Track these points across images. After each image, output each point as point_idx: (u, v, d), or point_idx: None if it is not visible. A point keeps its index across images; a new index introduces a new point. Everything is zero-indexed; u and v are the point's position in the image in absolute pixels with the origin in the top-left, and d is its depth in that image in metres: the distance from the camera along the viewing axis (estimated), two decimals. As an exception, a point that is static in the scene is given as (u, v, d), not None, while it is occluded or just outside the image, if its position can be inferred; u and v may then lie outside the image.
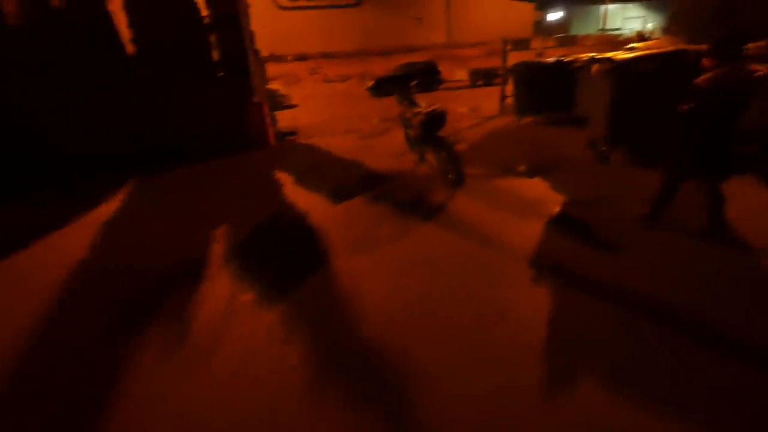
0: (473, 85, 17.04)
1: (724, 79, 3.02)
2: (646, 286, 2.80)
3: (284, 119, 9.55)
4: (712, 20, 8.15)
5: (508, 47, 9.84)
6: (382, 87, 14.48)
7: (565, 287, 2.86)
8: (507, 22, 31.80)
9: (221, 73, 7.93)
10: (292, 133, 9.28)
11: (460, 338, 2.49)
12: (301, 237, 4.03)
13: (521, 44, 15.18)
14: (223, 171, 6.81)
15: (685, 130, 3.28)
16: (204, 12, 7.64)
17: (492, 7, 33.07)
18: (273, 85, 12.93)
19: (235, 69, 7.99)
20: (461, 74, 19.06)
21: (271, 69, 10.71)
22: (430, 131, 4.87)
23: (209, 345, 2.64)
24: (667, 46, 6.36)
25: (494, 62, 18.64)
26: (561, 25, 40.68)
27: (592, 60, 5.57)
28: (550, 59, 7.73)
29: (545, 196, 4.45)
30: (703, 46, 3.66)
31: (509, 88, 9.02)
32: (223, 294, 3.15)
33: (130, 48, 7.36)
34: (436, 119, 4.79)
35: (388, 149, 7.02)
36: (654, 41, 9.14)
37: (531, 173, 5.14)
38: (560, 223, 3.83)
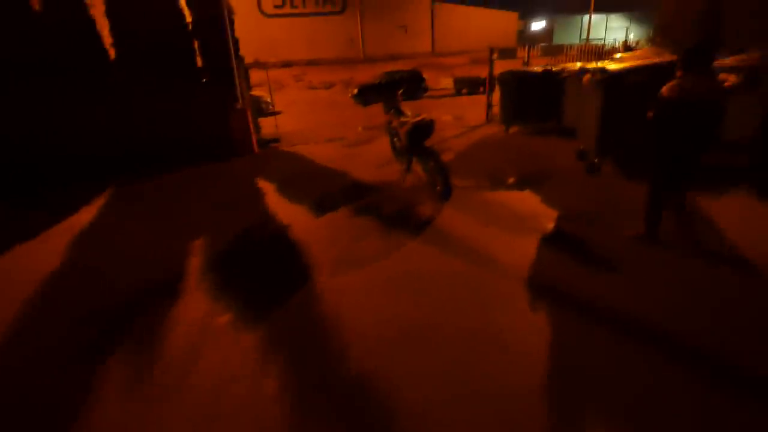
0: (458, 93, 17.03)
1: (689, 89, 3.00)
2: (647, 311, 2.66)
3: (268, 126, 9.32)
4: (697, 32, 8.20)
5: (495, 56, 9.79)
6: (366, 95, 14.31)
7: (562, 311, 2.71)
8: (491, 31, 32.08)
9: (204, 79, 7.70)
10: (276, 140, 9.05)
11: (452, 369, 2.31)
12: (282, 251, 3.81)
13: (507, 53, 15.23)
14: (204, 178, 6.55)
15: (654, 138, 3.28)
16: (188, 17, 7.44)
17: (476, 16, 33.34)
18: (257, 92, 12.67)
19: (218, 75, 7.78)
20: (446, 82, 19.08)
21: (256, 75, 10.49)
22: (417, 141, 4.71)
23: (180, 371, 2.43)
24: (654, 56, 6.36)
25: (478, 71, 18.73)
26: (544, 34, 41.30)
27: (583, 70, 5.50)
28: (538, 69, 7.68)
29: (536, 209, 4.32)
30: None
31: (495, 96, 8.96)
32: (197, 313, 2.93)
33: (111, 52, 7.11)
34: (423, 129, 4.64)
35: (373, 158, 6.85)
36: (640, 51, 9.20)
37: (521, 185, 5.01)
38: (554, 240, 3.67)
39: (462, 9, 33.12)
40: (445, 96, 16.55)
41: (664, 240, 3.50)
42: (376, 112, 5.83)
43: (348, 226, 4.22)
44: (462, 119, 10.57)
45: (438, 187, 4.60)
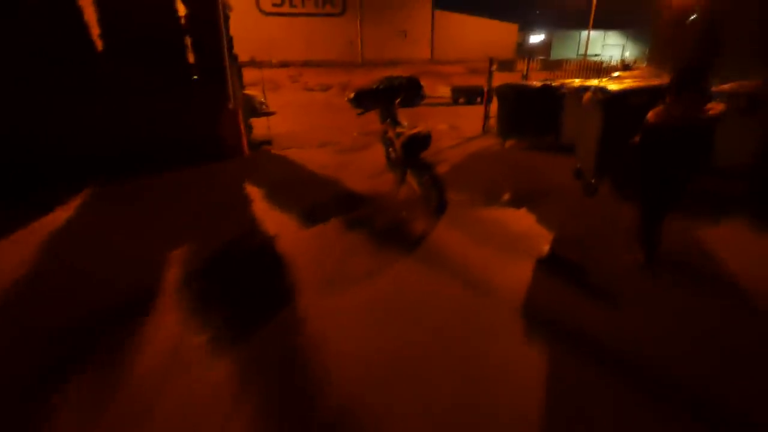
0: (455, 102, 16.96)
1: (676, 115, 2.98)
2: (649, 353, 2.51)
3: (261, 127, 9.11)
4: (694, 51, 8.21)
5: (494, 67, 9.70)
6: (362, 99, 14.09)
7: (560, 345, 2.55)
8: (491, 42, 32.09)
9: (195, 77, 7.49)
10: (268, 142, 8.84)
11: (445, 408, 2.13)
12: (267, 265, 3.61)
13: (506, 65, 15.19)
14: (190, 181, 6.32)
15: (640, 163, 3.29)
16: (181, 12, 7.23)
17: (476, 26, 33.34)
18: (252, 91, 12.46)
19: (210, 73, 7.56)
20: (443, 91, 18.99)
21: (251, 74, 10.29)
22: (413, 154, 4.55)
23: (146, 401, 2.22)
24: (653, 77, 6.32)
25: (476, 80, 18.69)
26: (542, 48, 41.58)
27: (583, 88, 5.40)
28: (537, 83, 7.59)
29: (533, 230, 4.18)
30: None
31: (493, 108, 8.87)
32: (171, 333, 2.72)
33: (98, 44, 6.86)
34: (420, 142, 4.47)
35: (367, 166, 6.69)
36: (639, 71, 9.21)
37: (516, 203, 4.88)
38: (550, 264, 3.52)
39: (462, 18, 33.11)
40: (442, 104, 16.47)
41: (665, 266, 3.38)
42: (372, 117, 5.66)
43: (338, 240, 4.03)
44: (458, 129, 10.46)
45: (432, 202, 4.45)
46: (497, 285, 3.21)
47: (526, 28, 41.75)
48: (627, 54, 36.44)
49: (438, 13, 31.87)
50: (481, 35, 32.88)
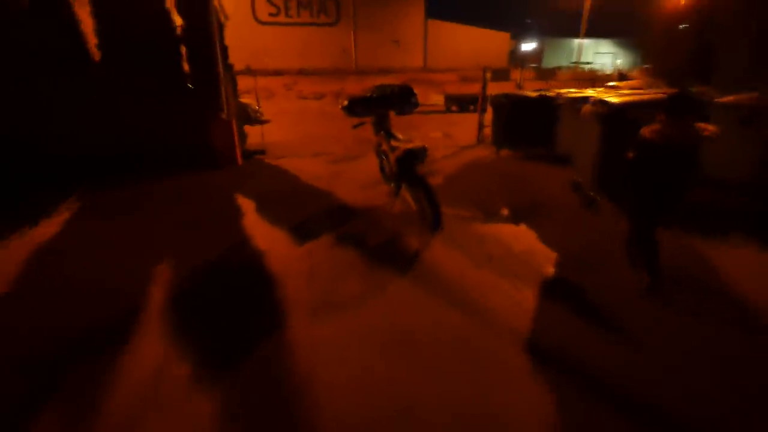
0: (448, 110, 16.91)
1: (669, 134, 3.10)
2: (663, 387, 2.35)
3: (255, 135, 8.96)
4: (690, 62, 8.17)
5: (488, 75, 9.63)
6: (356, 108, 14.01)
7: (568, 384, 2.37)
8: (483, 50, 32.23)
9: (189, 85, 7.36)
10: (261, 151, 8.68)
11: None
12: (254, 288, 3.43)
13: (500, 74, 15.17)
14: (180, 191, 6.16)
15: (632, 178, 3.40)
16: (176, 21, 7.12)
17: (469, 35, 33.46)
18: (246, 99, 12.34)
19: (204, 82, 7.43)
20: (436, 98, 18.96)
21: (247, 83, 10.17)
22: (407, 168, 4.41)
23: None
24: (651, 88, 6.27)
25: (468, 88, 18.67)
26: (534, 55, 41.81)
27: (581, 99, 5.31)
28: (532, 93, 7.52)
29: (533, 248, 4.02)
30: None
31: (487, 117, 8.78)
32: (148, 365, 2.54)
33: (93, 51, 6.73)
34: (415, 156, 4.34)
35: (361, 177, 6.55)
36: (636, 81, 9.20)
37: (515, 218, 4.74)
38: (555, 289, 3.33)
39: (455, 26, 33.29)
40: (434, 112, 16.42)
41: (672, 288, 3.26)
42: (367, 125, 5.53)
43: (330, 259, 3.87)
44: (452, 137, 10.37)
45: (428, 218, 4.30)
46: (498, 313, 3.02)
47: (518, 36, 42.01)
48: (619, 62, 36.76)
49: (430, 22, 32.03)
50: (474, 44, 33.05)
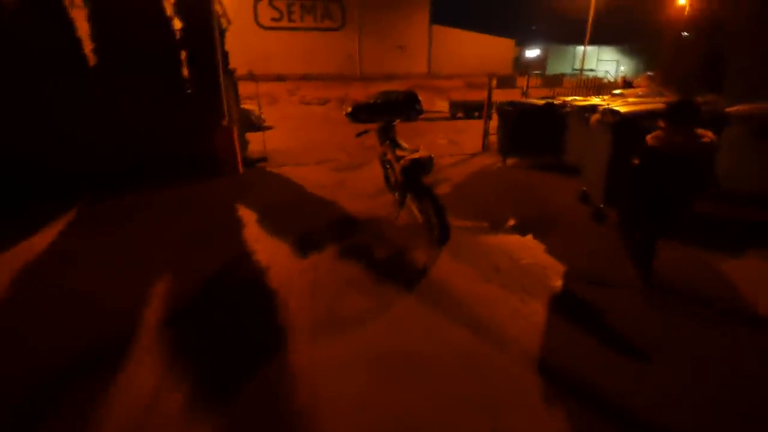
0: (453, 117, 16.85)
1: (673, 142, 3.14)
2: (681, 412, 2.21)
3: (256, 142, 8.87)
4: (699, 70, 8.05)
5: (493, 83, 9.55)
6: (360, 114, 14.04)
7: (582, 409, 2.23)
8: (488, 57, 32.24)
9: (190, 92, 7.29)
10: (263, 159, 8.60)
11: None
12: (255, 305, 3.31)
13: (506, 81, 15.03)
14: (181, 201, 6.07)
15: (637, 185, 3.43)
16: (176, 26, 7.06)
17: (473, 41, 33.45)
18: (248, 105, 12.29)
19: (205, 89, 7.37)
20: (441, 105, 18.91)
21: (249, 88, 10.08)
22: (413, 178, 4.30)
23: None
24: (659, 97, 6.15)
25: (474, 95, 18.60)
26: (538, 62, 41.82)
27: (590, 108, 5.19)
28: (539, 101, 7.41)
29: (542, 261, 3.89)
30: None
31: (493, 124, 8.68)
32: (143, 391, 2.41)
33: (91, 58, 6.68)
34: (421, 166, 4.22)
35: (366, 186, 6.45)
36: (642, 89, 9.08)
37: (522, 229, 4.61)
38: (565, 305, 3.20)
39: (459, 33, 33.31)
40: (439, 119, 16.34)
41: (691, 305, 3.14)
42: (370, 132, 5.44)
43: (333, 274, 3.74)
44: (457, 144, 10.29)
45: (434, 230, 4.18)
46: (506, 329, 2.91)
47: (522, 43, 42.05)
48: (622, 69, 36.66)
49: (435, 28, 32.06)
50: (478, 50, 33.05)
